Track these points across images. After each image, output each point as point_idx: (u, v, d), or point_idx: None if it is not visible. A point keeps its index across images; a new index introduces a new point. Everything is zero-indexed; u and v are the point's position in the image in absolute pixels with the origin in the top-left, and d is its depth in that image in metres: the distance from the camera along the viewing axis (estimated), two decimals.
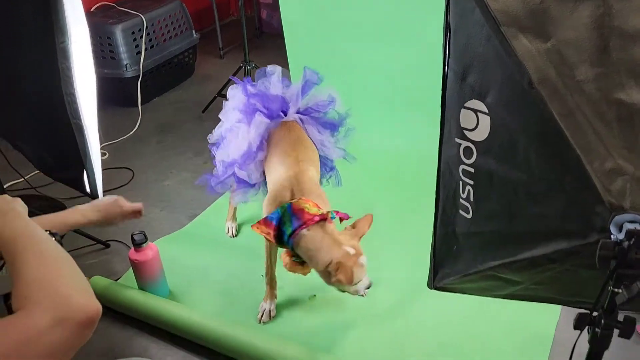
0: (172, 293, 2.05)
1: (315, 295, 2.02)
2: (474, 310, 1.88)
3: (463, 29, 0.94)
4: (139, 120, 3.33)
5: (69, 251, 0.86)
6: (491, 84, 0.91)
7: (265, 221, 1.70)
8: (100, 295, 1.82)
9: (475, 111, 0.95)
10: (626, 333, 0.85)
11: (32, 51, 1.79)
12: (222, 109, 2.15)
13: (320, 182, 2.01)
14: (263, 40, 4.70)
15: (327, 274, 1.62)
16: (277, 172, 1.86)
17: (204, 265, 2.20)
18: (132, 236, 1.89)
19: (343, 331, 1.87)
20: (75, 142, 1.80)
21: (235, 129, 2.02)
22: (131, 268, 1.99)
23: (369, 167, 2.49)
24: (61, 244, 1.00)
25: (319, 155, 2.04)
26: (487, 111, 0.93)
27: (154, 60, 3.51)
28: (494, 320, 1.86)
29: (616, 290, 0.80)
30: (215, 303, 2.01)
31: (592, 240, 0.81)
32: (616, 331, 0.87)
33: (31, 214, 0.96)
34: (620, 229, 0.77)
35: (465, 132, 0.98)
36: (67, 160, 1.90)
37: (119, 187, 2.72)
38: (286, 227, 1.66)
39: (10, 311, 0.76)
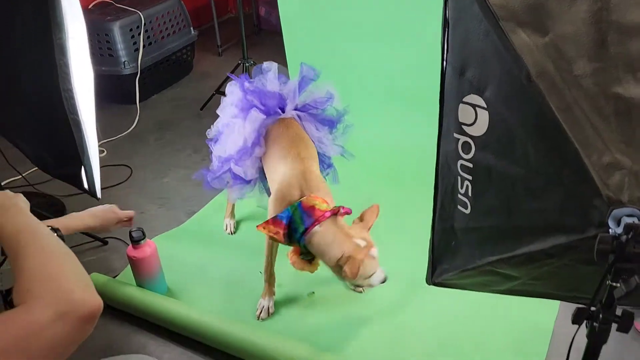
0: (171, 290, 2.05)
1: (313, 292, 2.02)
2: (472, 306, 1.88)
3: (461, 24, 0.94)
4: (137, 118, 3.32)
5: None
6: (489, 79, 0.91)
7: (275, 220, 1.68)
8: (98, 292, 1.81)
9: (474, 106, 0.95)
10: (624, 327, 0.85)
11: (30, 48, 1.79)
12: (220, 106, 2.15)
13: None
14: (261, 38, 4.70)
15: (339, 269, 1.61)
16: (278, 170, 1.85)
17: (202, 262, 2.20)
18: (130, 233, 1.89)
19: (342, 328, 1.88)
20: (73, 138, 1.79)
21: (231, 124, 2.02)
22: (129, 265, 1.99)
23: (367, 163, 2.49)
24: (63, 239, 1.00)
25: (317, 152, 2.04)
26: (485, 106, 0.93)
27: (152, 58, 3.50)
28: (492, 316, 1.86)
29: (614, 284, 0.80)
30: (213, 300, 2.01)
31: (591, 235, 0.81)
32: (614, 326, 0.87)
33: (30, 211, 0.97)
34: (618, 223, 0.78)
35: (463, 127, 0.98)
36: (65, 156, 1.90)
37: (117, 185, 2.71)
38: (298, 225, 1.65)
39: (11, 307, 0.76)
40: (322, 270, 1.75)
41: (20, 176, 2.45)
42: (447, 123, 1.03)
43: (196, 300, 2.00)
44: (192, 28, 3.84)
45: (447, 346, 1.78)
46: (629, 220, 0.76)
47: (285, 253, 1.85)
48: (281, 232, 1.67)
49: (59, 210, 2.45)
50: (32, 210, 0.96)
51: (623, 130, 0.80)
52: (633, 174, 0.78)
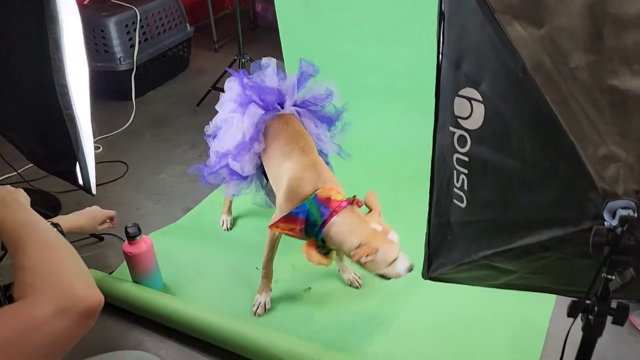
0: (167, 286, 2.05)
1: (310, 288, 2.02)
2: (468, 303, 1.88)
3: (457, 17, 0.93)
4: (133, 114, 3.31)
5: None
6: (485, 72, 0.91)
7: (290, 217, 1.65)
8: None
9: (470, 99, 0.94)
10: (620, 320, 0.86)
11: (24, 43, 1.78)
12: (216, 102, 2.14)
13: None
14: (258, 34, 4.69)
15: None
16: (283, 167, 1.82)
17: (199, 258, 2.19)
18: (126, 229, 1.88)
19: (338, 324, 1.88)
20: (67, 134, 1.79)
21: (230, 119, 2.01)
22: (125, 261, 1.98)
23: (364, 160, 2.48)
24: (64, 234, 1.00)
25: None
26: (481, 99, 0.92)
27: (148, 54, 3.49)
28: (488, 314, 1.87)
29: (610, 276, 0.80)
30: (209, 296, 2.01)
31: (586, 227, 0.81)
32: (610, 319, 0.87)
33: None
34: (613, 215, 0.78)
35: (459, 120, 0.98)
36: (60, 152, 1.89)
37: (113, 181, 2.71)
38: (316, 218, 1.63)
39: (10, 302, 0.76)
40: (319, 266, 1.74)
41: (16, 173, 2.44)
42: (443, 116, 1.03)
43: (192, 296, 2.00)
44: (188, 24, 3.83)
45: (444, 343, 1.78)
46: (624, 212, 0.76)
47: (285, 248, 1.85)
48: (298, 227, 1.65)
49: (54, 206, 2.44)
50: None
51: (618, 123, 0.80)
52: (628, 166, 0.78)
